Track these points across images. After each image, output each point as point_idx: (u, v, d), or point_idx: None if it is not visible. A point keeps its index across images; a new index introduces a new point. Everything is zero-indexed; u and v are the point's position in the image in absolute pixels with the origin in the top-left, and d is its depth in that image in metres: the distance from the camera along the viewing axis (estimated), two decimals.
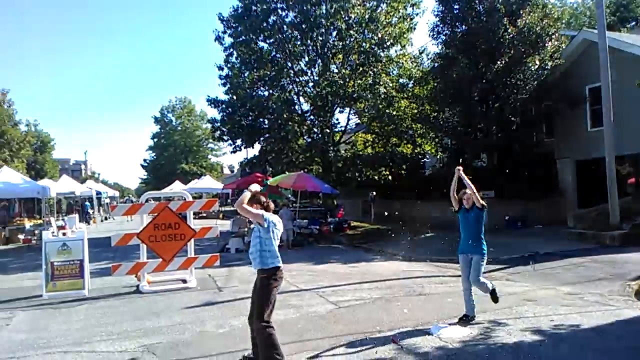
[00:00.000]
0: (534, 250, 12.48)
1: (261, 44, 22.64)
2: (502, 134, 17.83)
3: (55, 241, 9.66)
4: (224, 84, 23.63)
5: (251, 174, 22.99)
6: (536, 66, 17.39)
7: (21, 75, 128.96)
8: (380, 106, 21.18)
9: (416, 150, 23.00)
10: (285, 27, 21.88)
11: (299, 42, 22.22)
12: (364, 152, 23.56)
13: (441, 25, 18.86)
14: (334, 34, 22.03)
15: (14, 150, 42.00)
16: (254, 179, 20.00)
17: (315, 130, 22.91)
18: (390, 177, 22.56)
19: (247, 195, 5.48)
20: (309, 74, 23.00)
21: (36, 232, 19.94)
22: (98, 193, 38.60)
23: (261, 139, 23.11)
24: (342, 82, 20.66)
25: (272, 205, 5.67)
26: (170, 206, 9.96)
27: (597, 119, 16.18)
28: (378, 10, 21.62)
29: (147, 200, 10.77)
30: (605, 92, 13.71)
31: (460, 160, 20.12)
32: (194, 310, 8.03)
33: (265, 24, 21.61)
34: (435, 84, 19.68)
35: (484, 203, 6.77)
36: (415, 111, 21.71)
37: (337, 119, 24.07)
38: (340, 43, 21.86)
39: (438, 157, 22.75)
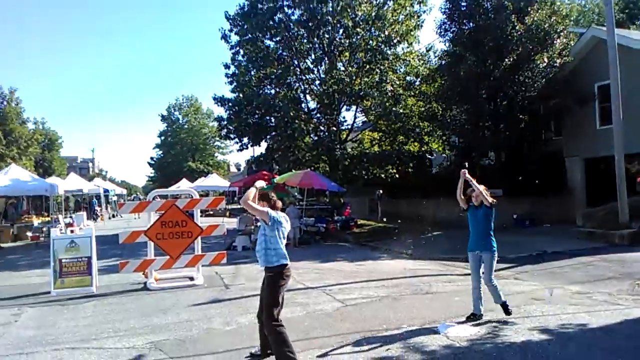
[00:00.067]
0: (542, 249, 12.42)
1: (267, 42, 22.63)
2: (510, 132, 17.74)
3: (63, 238, 9.71)
4: (230, 82, 23.64)
5: (258, 172, 23.03)
6: (544, 64, 17.28)
7: (25, 75, 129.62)
8: (387, 104, 21.10)
9: (423, 149, 22.91)
10: (291, 25, 21.84)
11: (305, 40, 22.18)
12: (371, 150, 23.48)
13: (448, 23, 18.77)
14: (341, 31, 21.97)
15: (22, 148, 42.33)
16: (260, 177, 20.03)
17: (322, 128, 22.89)
18: (397, 176, 22.50)
19: (252, 191, 5.46)
20: (316, 72, 22.96)
21: (44, 229, 20.04)
22: (106, 191, 38.81)
23: (268, 137, 23.10)
24: (348, 80, 20.59)
25: (279, 204, 5.66)
26: (177, 204, 9.97)
27: (606, 116, 16.05)
28: (385, 8, 21.53)
29: (154, 198, 10.81)
30: (614, 90, 13.59)
31: (467, 162, 20.03)
32: (201, 307, 8.05)
33: (271, 22, 21.59)
34: (443, 82, 19.60)
35: (493, 201, 6.73)
36: (423, 109, 21.62)
37: (344, 117, 24.08)
38: (347, 41, 21.81)
39: (445, 155, 22.67)
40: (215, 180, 39.43)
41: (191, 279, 10.19)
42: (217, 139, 56.08)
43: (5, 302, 8.85)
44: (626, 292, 8.21)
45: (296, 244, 15.90)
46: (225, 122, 23.19)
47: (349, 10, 20.97)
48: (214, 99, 22.89)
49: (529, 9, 17.07)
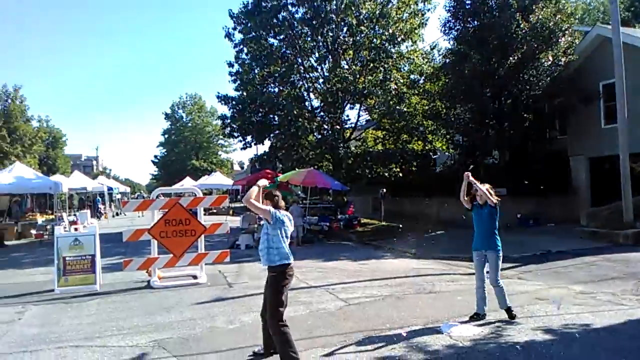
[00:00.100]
0: (546, 249, 12.38)
1: (271, 40, 22.63)
2: (514, 131, 17.68)
3: (67, 236, 9.75)
4: (234, 81, 23.65)
5: (261, 171, 23.01)
6: (549, 62, 17.20)
7: (28, 74, 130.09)
8: (391, 102, 21.06)
9: (427, 147, 22.88)
10: (295, 23, 21.82)
11: (309, 38, 22.16)
12: (375, 148, 23.46)
13: (453, 21, 18.71)
14: (345, 29, 21.95)
15: (26, 146, 42.48)
16: (264, 176, 20.05)
17: (326, 126, 22.87)
18: (400, 174, 22.47)
19: (255, 190, 5.47)
20: (319, 70, 22.95)
21: (48, 227, 20.12)
22: (109, 189, 38.90)
23: (271, 135, 23.10)
24: (352, 78, 20.57)
25: (282, 203, 5.65)
26: (181, 202, 9.99)
27: (611, 115, 15.97)
28: (389, 6, 21.49)
29: (158, 196, 10.83)
30: (619, 89, 13.52)
31: (471, 160, 20.08)
32: (205, 306, 8.07)
33: (275, 20, 21.58)
34: (447, 80, 19.54)
35: (497, 200, 6.71)
36: (426, 108, 21.56)
37: (348, 116, 24.02)
38: (351, 39, 21.78)
39: (449, 154, 22.62)
40: (218, 179, 39.51)
41: (194, 277, 10.21)
42: (221, 137, 56.10)
43: (9, 300, 8.89)
44: (630, 292, 8.17)
45: (299, 242, 15.90)
46: (229, 121, 23.20)
47: (353, 8, 20.94)
48: (218, 97, 22.93)
49: (534, 7, 16.99)
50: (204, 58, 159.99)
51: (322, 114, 22.92)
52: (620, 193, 13.33)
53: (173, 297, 8.80)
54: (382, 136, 23.96)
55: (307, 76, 22.91)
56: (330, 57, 22.34)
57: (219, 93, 23.15)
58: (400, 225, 19.52)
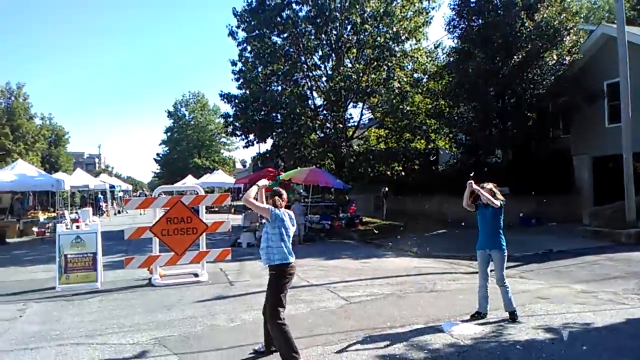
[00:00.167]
0: (548, 248, 12.35)
1: (275, 38, 22.58)
2: (517, 130, 17.63)
3: (69, 234, 9.78)
4: (237, 79, 23.62)
5: (263, 169, 23.01)
6: (553, 61, 17.14)
7: (30, 72, 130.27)
8: (394, 101, 21.02)
9: (430, 146, 22.83)
10: (299, 21, 21.78)
11: (312, 37, 22.11)
12: (377, 147, 23.43)
13: (457, 19, 18.67)
14: (349, 28, 21.88)
15: (29, 144, 42.56)
16: (266, 174, 20.05)
17: (328, 125, 22.83)
18: (403, 173, 22.43)
19: (254, 189, 5.48)
20: (323, 69, 22.91)
21: (50, 225, 20.15)
22: (111, 186, 38.95)
23: (274, 133, 23.05)
24: (355, 76, 20.53)
25: (280, 202, 5.62)
26: (182, 200, 10.00)
27: (614, 114, 15.92)
28: (393, 4, 21.40)
29: (159, 194, 10.83)
30: (623, 88, 13.47)
31: (474, 159, 20.05)
32: (206, 304, 8.07)
33: (279, 19, 21.54)
34: (451, 79, 19.50)
35: (502, 200, 6.67)
36: (430, 106, 21.52)
37: (350, 114, 24.02)
38: (355, 37, 21.72)
39: (452, 153, 22.57)
40: (220, 177, 39.48)
41: (196, 275, 10.22)
42: (223, 135, 56.07)
43: (10, 298, 8.91)
44: (632, 292, 8.14)
45: (301, 241, 15.90)
46: (232, 119, 23.18)
47: (357, 6, 20.89)
48: (221, 95, 22.91)
49: (539, 6, 16.95)
50: (206, 56, 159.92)
51: (324, 112, 22.88)
52: (623, 192, 13.30)
53: (174, 295, 8.81)
54: (384, 135, 23.91)
55: (311, 74, 22.87)
56: (333, 55, 22.30)
57: (222, 91, 23.10)
58: (402, 224, 19.50)
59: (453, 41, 19.93)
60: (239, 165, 70.03)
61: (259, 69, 23.02)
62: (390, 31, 21.16)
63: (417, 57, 22.24)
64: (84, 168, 49.05)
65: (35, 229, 20.61)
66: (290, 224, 5.48)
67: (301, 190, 23.15)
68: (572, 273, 9.96)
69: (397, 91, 21.07)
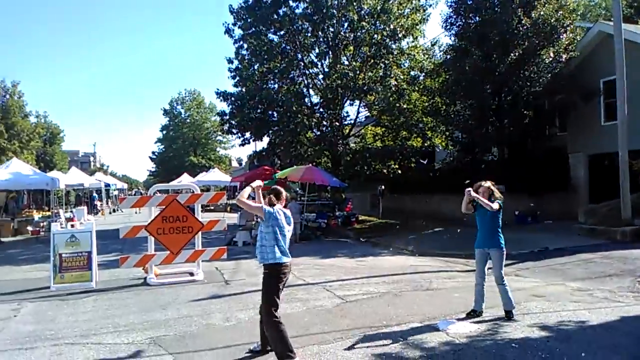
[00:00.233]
0: (543, 246, 12.37)
1: (271, 36, 22.53)
2: (514, 127, 17.62)
3: (63, 233, 9.71)
4: (233, 77, 23.57)
5: (259, 167, 23.00)
6: (550, 59, 17.12)
7: (26, 70, 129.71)
8: (391, 99, 21.01)
9: (426, 144, 22.83)
10: (296, 18, 21.72)
11: (309, 34, 22.07)
12: (373, 145, 23.43)
13: (454, 17, 18.63)
14: (346, 25, 21.87)
15: (23, 142, 42.27)
16: (262, 172, 20.05)
17: (325, 123, 22.81)
18: (399, 171, 22.43)
19: (247, 190, 5.49)
20: (319, 66, 22.90)
21: (45, 223, 20.07)
22: (107, 185, 38.85)
23: (270, 131, 23.03)
24: (352, 74, 20.51)
25: (274, 200, 5.60)
26: (178, 199, 9.96)
27: (610, 112, 15.92)
28: (391, 1, 21.39)
29: (155, 193, 10.79)
30: (620, 85, 13.47)
31: (470, 157, 20.03)
32: (201, 303, 8.04)
33: (275, 16, 21.49)
34: (447, 77, 19.48)
35: (500, 197, 6.67)
36: (426, 104, 21.49)
37: (347, 112, 24.01)
38: (352, 35, 21.70)
39: (449, 151, 22.56)
40: (216, 175, 39.44)
41: (191, 274, 10.19)
42: (219, 133, 56.01)
43: (4, 297, 8.85)
44: (627, 289, 8.16)
45: (297, 239, 15.87)
46: (228, 117, 23.13)
47: (354, 3, 20.87)
48: (217, 93, 22.84)
49: (536, 3, 16.90)
50: (203, 54, 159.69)
51: (321, 110, 22.86)
52: (619, 190, 13.32)
53: (169, 294, 8.77)
54: (381, 133, 23.91)
55: (307, 72, 22.83)
56: (330, 53, 22.27)
57: (218, 89, 23.04)
58: (399, 222, 19.50)
59: (450, 39, 19.90)
60: (235, 164, 69.83)
61: (256, 67, 22.98)
62: (387, 28, 21.15)
63: (414, 55, 22.24)
64: (79, 166, 48.74)
65: (29, 228, 20.51)
66: (286, 223, 5.43)
67: (297, 189, 23.17)
68: (567, 271, 9.97)
69: (393, 89, 21.07)
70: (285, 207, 5.68)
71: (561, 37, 17.24)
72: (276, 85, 22.72)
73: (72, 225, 10.04)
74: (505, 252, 6.76)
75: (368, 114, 24.73)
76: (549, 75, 16.98)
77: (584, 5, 31.48)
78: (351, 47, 22.28)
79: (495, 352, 5.35)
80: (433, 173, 23.27)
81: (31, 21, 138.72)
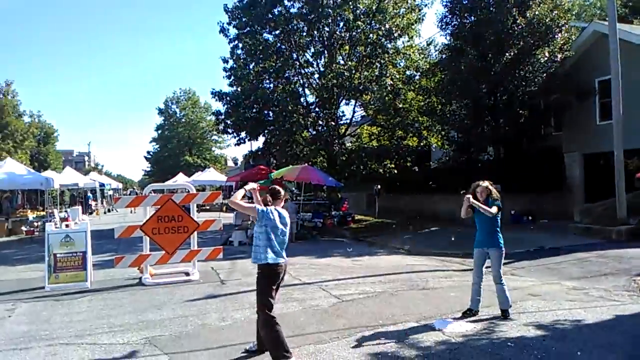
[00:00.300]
0: (539, 245, 12.40)
1: (266, 35, 22.47)
2: (509, 127, 17.66)
3: (58, 233, 9.66)
4: (228, 77, 23.45)
5: (255, 167, 22.95)
6: (545, 58, 17.17)
7: (20, 69, 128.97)
8: (387, 98, 21.02)
9: (422, 144, 22.85)
10: (291, 17, 21.68)
11: (305, 33, 22.04)
12: (369, 145, 23.43)
13: (450, 16, 18.65)
14: (341, 24, 21.84)
15: (17, 142, 42.04)
16: (258, 172, 20.02)
17: (321, 122, 22.78)
18: (395, 171, 22.44)
19: (241, 192, 5.50)
20: (315, 66, 22.85)
21: (39, 223, 19.98)
22: (101, 185, 38.70)
23: (265, 131, 22.98)
24: (348, 73, 20.49)
25: (268, 198, 5.58)
26: (173, 198, 9.92)
27: (606, 112, 15.98)
28: (386, 1, 21.38)
29: (150, 192, 10.74)
30: (615, 85, 13.52)
31: (466, 156, 20.06)
32: (197, 303, 8.01)
33: (270, 15, 21.45)
34: (443, 76, 19.50)
35: (497, 199, 6.67)
36: (422, 104, 21.52)
37: (343, 112, 23.95)
38: (347, 34, 21.68)
39: (444, 150, 22.58)
40: (212, 175, 39.39)
41: (187, 274, 10.15)
42: (215, 133, 55.92)
43: None
44: (622, 288, 8.18)
45: (293, 239, 15.81)
46: (223, 117, 23.07)
47: (350, 3, 20.85)
48: (212, 93, 22.77)
49: (531, 3, 16.95)
50: (197, 54, 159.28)
51: (317, 109, 22.83)
52: (614, 189, 13.36)
53: (165, 294, 8.74)
54: (377, 132, 23.91)
55: (303, 72, 22.79)
56: (326, 52, 22.25)
57: (213, 89, 22.97)
58: (395, 222, 19.51)
59: (445, 38, 19.94)
60: (230, 163, 69.64)
61: (251, 66, 22.91)
62: (383, 28, 21.15)
63: (410, 54, 22.23)
64: (73, 166, 48.64)
65: (24, 228, 20.42)
66: (280, 223, 5.38)
67: (293, 188, 23.10)
68: (563, 270, 10.00)
69: (389, 88, 21.07)
70: (283, 207, 5.65)
71: (556, 36, 17.29)
72: (271, 85, 22.66)
73: (67, 225, 10.02)
74: (504, 252, 6.76)
75: (364, 113, 24.72)
76: (544, 74, 17.04)
77: (579, 5, 31.57)
78: (347, 47, 22.27)
79: (491, 351, 5.36)
80: (429, 173, 23.29)
81: (27, 19, 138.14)
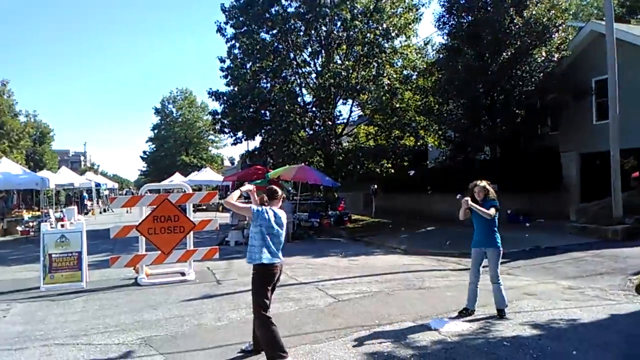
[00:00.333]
0: (535, 244, 12.41)
1: (264, 35, 22.43)
2: (506, 126, 17.69)
3: (53, 233, 9.62)
4: (225, 76, 23.41)
5: (252, 166, 22.92)
6: (542, 58, 17.18)
7: (16, 69, 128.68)
8: (384, 98, 21.01)
9: (419, 143, 22.86)
10: (288, 17, 21.64)
11: (302, 33, 22.01)
12: (366, 144, 23.43)
13: (447, 16, 18.68)
14: (339, 24, 21.82)
15: (13, 141, 41.87)
16: (254, 171, 19.99)
17: (318, 122, 22.75)
18: (392, 170, 22.44)
19: (236, 193, 5.47)
20: (312, 65, 22.83)
21: (34, 223, 19.91)
22: (97, 185, 38.62)
23: (262, 130, 22.94)
24: (345, 73, 20.47)
25: (264, 199, 5.57)
26: (169, 198, 9.89)
27: (602, 111, 16.01)
28: (383, 1, 21.37)
29: (146, 192, 10.70)
30: (611, 85, 13.53)
31: (462, 156, 20.07)
32: (192, 303, 7.99)
33: (268, 15, 21.41)
34: (440, 76, 19.51)
35: (495, 204, 6.68)
36: (419, 103, 21.52)
37: (340, 111, 23.94)
38: (345, 34, 21.66)
39: (441, 150, 22.61)
40: (208, 175, 39.28)
41: (183, 274, 10.12)
42: (211, 132, 55.81)
43: None
44: (618, 288, 8.21)
45: (289, 239, 15.81)
46: (220, 116, 23.00)
47: (347, 2, 20.84)
48: (209, 93, 22.68)
49: (528, 3, 16.97)
50: (195, 53, 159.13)
51: (314, 109, 22.80)
52: (610, 189, 13.39)
53: (161, 294, 8.71)
54: (374, 132, 23.90)
55: (300, 71, 22.77)
56: (323, 52, 22.23)
57: (210, 89, 22.85)
58: (391, 221, 19.53)
59: (443, 38, 19.99)
60: (227, 163, 69.57)
61: (248, 66, 22.87)
62: (380, 28, 21.14)
63: (407, 54, 22.23)
64: (69, 166, 48.51)
65: (19, 228, 20.35)
66: (275, 223, 5.33)
67: (290, 188, 23.11)
68: (559, 269, 10.01)
69: (386, 88, 21.07)
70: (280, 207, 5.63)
71: (553, 36, 17.32)
72: (269, 85, 22.61)
73: (62, 225, 9.97)
74: (501, 252, 6.77)
75: (361, 113, 24.72)
76: (541, 74, 17.05)
77: (576, 4, 31.66)
78: (344, 46, 22.25)
79: (487, 350, 5.36)
80: (426, 172, 23.30)
81: (24, 19, 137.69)
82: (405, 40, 22.61)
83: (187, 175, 41.23)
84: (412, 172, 20.29)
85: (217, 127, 23.73)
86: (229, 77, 23.15)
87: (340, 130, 23.42)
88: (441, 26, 19.02)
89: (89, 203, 35.44)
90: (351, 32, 21.44)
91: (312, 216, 19.74)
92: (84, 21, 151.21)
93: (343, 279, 9.61)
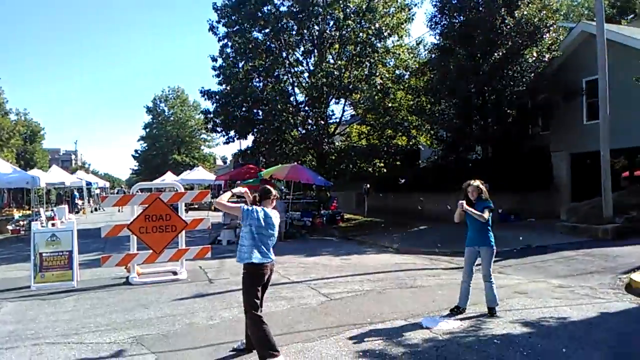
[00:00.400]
0: (526, 244, 12.47)
1: (256, 34, 22.39)
2: (497, 126, 17.79)
3: (44, 232, 9.55)
4: (217, 75, 23.34)
5: (244, 166, 22.89)
6: (533, 58, 17.30)
7: (7, 67, 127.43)
8: (376, 97, 21.06)
9: (411, 143, 22.93)
10: (281, 16, 21.62)
11: (294, 32, 22.00)
12: (359, 144, 23.46)
13: (439, 16, 18.75)
14: (331, 23, 21.86)
15: (3, 140, 41.44)
16: (247, 171, 19.97)
17: (310, 121, 22.75)
18: (384, 170, 22.49)
19: (227, 194, 5.46)
20: (305, 65, 22.84)
21: (25, 222, 19.77)
22: (88, 184, 38.33)
23: (255, 130, 22.90)
24: (338, 72, 20.48)
25: (256, 199, 5.57)
26: (161, 197, 9.85)
27: (593, 111, 16.15)
28: (376, 0, 21.43)
29: (137, 192, 10.66)
30: (602, 85, 13.63)
31: (454, 156, 20.15)
32: (184, 302, 7.97)
33: (260, 13, 21.38)
34: (432, 76, 19.59)
35: (488, 205, 6.72)
36: (411, 103, 21.60)
37: (332, 111, 23.97)
38: (337, 33, 21.69)
39: (433, 149, 22.69)
40: (200, 174, 39.14)
41: (174, 273, 10.09)
42: (204, 131, 55.62)
43: None
44: (608, 286, 8.28)
45: (282, 238, 15.81)
46: (212, 115, 22.94)
47: (340, 1, 20.85)
48: (201, 92, 22.59)
49: (519, 3, 17.08)
50: (187, 52, 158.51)
51: (306, 108, 22.79)
52: (601, 188, 13.50)
53: (152, 293, 8.67)
54: (366, 131, 23.96)
55: (292, 70, 22.77)
56: (315, 51, 22.24)
57: (202, 88, 22.73)
58: (384, 221, 19.56)
59: (435, 38, 20.05)
60: (219, 162, 69.39)
61: (240, 65, 22.81)
62: (373, 27, 21.18)
63: (399, 54, 22.31)
64: (60, 165, 48.13)
65: (9, 227, 20.19)
66: (265, 222, 5.29)
67: (282, 187, 23.09)
68: (549, 268, 10.09)
69: (379, 87, 21.13)
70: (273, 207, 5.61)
71: (544, 37, 17.44)
72: (261, 84, 22.59)
73: (53, 224, 9.90)
74: (495, 250, 6.81)
75: (353, 112, 24.76)
76: (532, 74, 17.17)
77: (567, 5, 31.91)
78: (337, 46, 22.27)
79: (478, 348, 5.39)
80: (418, 172, 23.36)
81: (12, 16, 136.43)
82: (398, 40, 22.69)
83: (179, 174, 41.06)
84: (402, 180, 20.29)
85: (209, 126, 23.65)
86: (222, 76, 23.07)
87: (332, 129, 23.44)
88: (433, 26, 19.10)
89: (80, 202, 35.20)
90: (344, 32, 21.47)
91: (305, 215, 19.74)
92: (76, 20, 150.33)
93: (335, 278, 9.63)
